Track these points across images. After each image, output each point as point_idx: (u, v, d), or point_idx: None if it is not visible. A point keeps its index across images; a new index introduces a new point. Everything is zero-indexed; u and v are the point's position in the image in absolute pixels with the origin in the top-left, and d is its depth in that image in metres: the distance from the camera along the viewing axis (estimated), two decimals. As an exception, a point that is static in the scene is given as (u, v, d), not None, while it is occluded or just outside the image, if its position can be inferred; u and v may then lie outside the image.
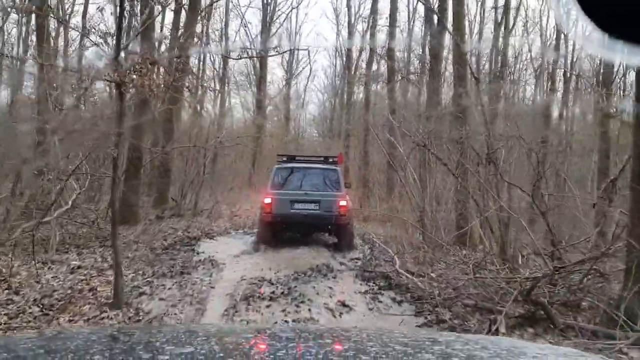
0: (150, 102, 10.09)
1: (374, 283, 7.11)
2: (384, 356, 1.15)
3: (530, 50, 22.89)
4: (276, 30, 29.30)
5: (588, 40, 0.99)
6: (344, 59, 29.84)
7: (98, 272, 6.44)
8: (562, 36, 19.50)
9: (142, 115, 10.01)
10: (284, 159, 10.58)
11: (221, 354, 1.14)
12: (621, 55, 0.93)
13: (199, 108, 20.13)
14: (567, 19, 1.22)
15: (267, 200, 9.38)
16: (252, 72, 30.96)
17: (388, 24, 21.34)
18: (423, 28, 24.70)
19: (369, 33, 24.67)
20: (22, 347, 1.15)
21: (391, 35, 21.44)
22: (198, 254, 8.25)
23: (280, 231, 9.75)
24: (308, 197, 9.47)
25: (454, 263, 7.72)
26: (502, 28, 20.42)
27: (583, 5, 0.90)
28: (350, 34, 26.02)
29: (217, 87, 26.63)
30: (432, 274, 7.10)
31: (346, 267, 8.13)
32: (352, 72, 25.61)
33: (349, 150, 26.06)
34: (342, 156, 12.26)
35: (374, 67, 24.53)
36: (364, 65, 25.04)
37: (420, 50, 23.79)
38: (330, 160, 10.47)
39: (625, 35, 0.89)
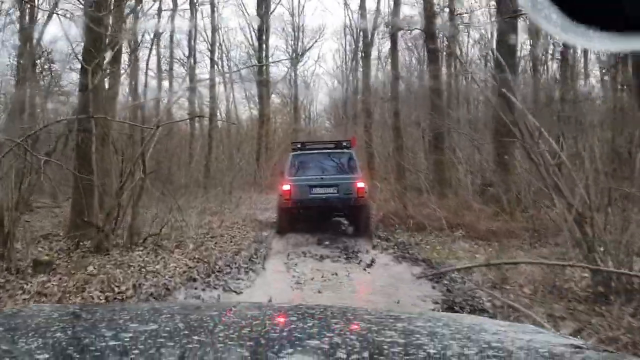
0: None
1: None
2: (347, 333, 1.12)
3: None
4: (275, 7, 25.11)
5: (547, 21, 0.78)
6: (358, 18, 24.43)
7: None
8: None
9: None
10: (298, 145, 10.86)
11: (185, 331, 1.11)
12: (581, 39, 0.77)
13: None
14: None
15: (286, 187, 9.61)
16: (253, 56, 26.90)
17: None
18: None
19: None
20: None
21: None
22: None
23: (300, 217, 9.76)
24: (326, 181, 9.63)
25: None
26: None
27: None
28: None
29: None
30: None
31: None
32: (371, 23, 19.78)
33: (371, 132, 20.61)
34: (355, 139, 12.18)
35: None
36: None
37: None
38: (344, 144, 10.61)
39: (588, 19, 0.75)
